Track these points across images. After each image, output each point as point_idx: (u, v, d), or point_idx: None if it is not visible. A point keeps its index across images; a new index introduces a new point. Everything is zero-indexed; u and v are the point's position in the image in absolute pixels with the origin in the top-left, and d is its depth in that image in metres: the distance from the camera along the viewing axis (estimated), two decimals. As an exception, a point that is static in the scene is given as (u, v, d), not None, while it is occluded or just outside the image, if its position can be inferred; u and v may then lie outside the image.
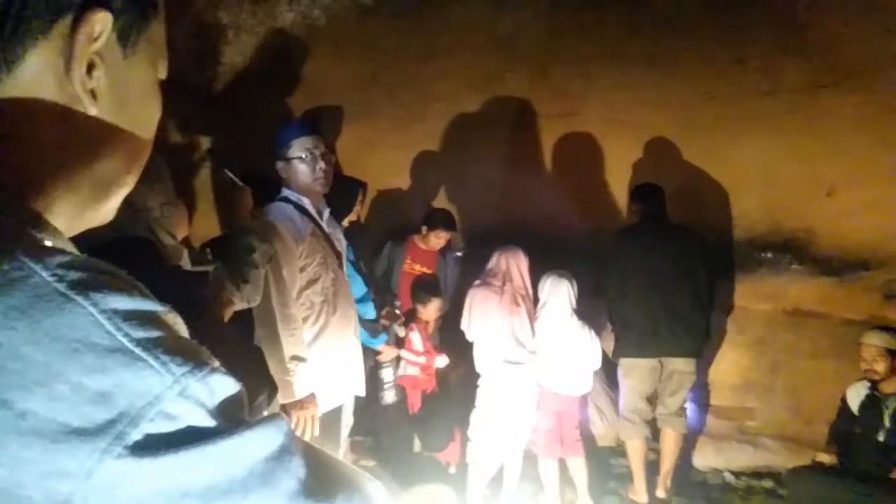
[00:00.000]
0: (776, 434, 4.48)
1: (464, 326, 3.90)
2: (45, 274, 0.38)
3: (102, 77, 0.48)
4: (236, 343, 1.57)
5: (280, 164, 2.80)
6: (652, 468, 4.19)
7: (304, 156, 2.75)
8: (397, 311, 4.11)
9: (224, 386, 0.41)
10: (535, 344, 3.84)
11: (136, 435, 0.36)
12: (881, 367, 3.81)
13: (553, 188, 4.68)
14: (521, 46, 4.32)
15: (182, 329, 0.43)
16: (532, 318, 3.88)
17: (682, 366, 4.02)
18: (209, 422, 0.38)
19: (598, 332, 4.02)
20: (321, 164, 2.77)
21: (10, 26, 0.43)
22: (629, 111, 4.33)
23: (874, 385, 3.88)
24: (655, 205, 4.16)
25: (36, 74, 0.45)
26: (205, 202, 4.31)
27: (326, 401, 2.76)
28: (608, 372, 4.34)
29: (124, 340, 0.38)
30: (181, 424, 0.37)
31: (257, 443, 0.39)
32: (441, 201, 4.82)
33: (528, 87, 4.48)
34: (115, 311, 0.39)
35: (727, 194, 4.37)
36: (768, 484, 4.38)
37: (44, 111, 0.46)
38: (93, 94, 0.47)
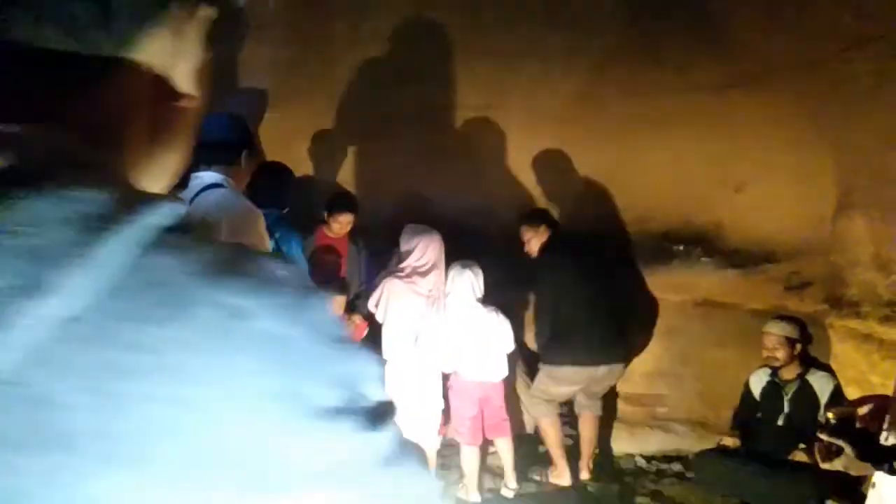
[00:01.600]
0: (685, 419, 4.67)
1: (375, 308, 3.87)
2: (290, 272, 0.43)
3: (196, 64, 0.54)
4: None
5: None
6: (570, 454, 4.30)
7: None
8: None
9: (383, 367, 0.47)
10: (439, 332, 3.87)
11: (363, 411, 0.40)
12: (781, 354, 4.00)
13: (475, 179, 4.71)
14: (445, 37, 4.32)
15: None
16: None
17: (612, 371, 4.20)
18: (386, 397, 0.43)
19: (509, 317, 4.10)
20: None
21: (134, 7, 0.47)
22: (550, 104, 4.40)
23: (775, 372, 4.08)
24: (558, 228, 4.33)
25: (151, 56, 0.49)
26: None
27: None
28: (528, 361, 4.42)
29: (342, 332, 0.43)
30: (377, 400, 0.42)
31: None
32: (362, 190, 4.77)
33: (451, 79, 4.48)
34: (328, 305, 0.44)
35: (644, 189, 4.51)
36: (678, 467, 4.56)
37: (149, 90, 0.50)
38: (192, 80, 0.53)
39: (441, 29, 4.33)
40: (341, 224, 4.20)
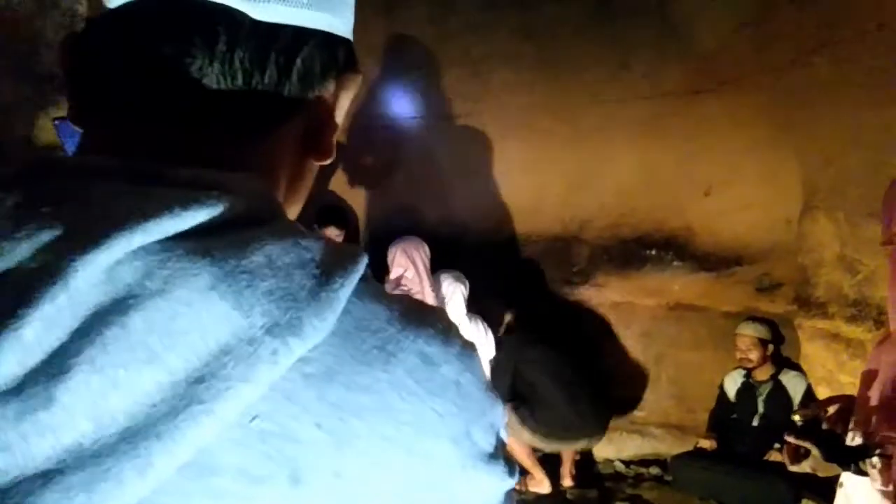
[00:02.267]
0: (662, 423, 4.69)
1: None
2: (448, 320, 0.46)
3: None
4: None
5: None
6: (548, 459, 4.31)
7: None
8: None
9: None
10: None
11: (505, 457, 0.44)
12: (754, 355, 4.06)
13: (449, 189, 4.71)
14: (415, 45, 4.33)
15: None
16: None
17: (591, 441, 4.32)
18: (495, 442, 0.45)
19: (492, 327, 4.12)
20: None
21: (309, 71, 0.49)
22: (521, 113, 4.42)
23: (748, 373, 4.13)
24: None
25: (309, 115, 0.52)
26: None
27: None
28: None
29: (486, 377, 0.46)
30: (499, 441, 0.45)
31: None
32: (334, 202, 4.75)
33: (422, 88, 4.49)
34: None
35: (616, 195, 4.54)
36: (655, 471, 4.58)
37: (298, 148, 0.53)
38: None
39: (411, 39, 4.34)
40: (327, 237, 4.16)
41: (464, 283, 4.00)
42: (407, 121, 4.65)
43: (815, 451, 1.53)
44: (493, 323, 4.21)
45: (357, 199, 4.89)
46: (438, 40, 4.32)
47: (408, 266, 3.87)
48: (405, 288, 3.82)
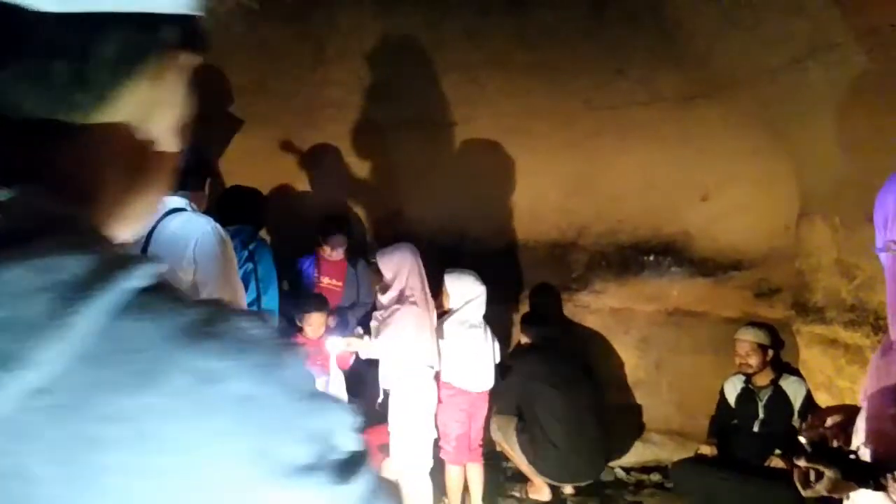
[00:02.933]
0: (662, 429, 4.67)
1: (395, 345, 3.71)
2: (266, 332, 0.43)
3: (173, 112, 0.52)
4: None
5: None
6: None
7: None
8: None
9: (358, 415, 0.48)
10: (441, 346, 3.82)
11: (336, 464, 0.42)
12: (754, 360, 4.03)
13: (446, 196, 4.71)
14: (411, 52, 4.33)
15: None
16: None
17: (591, 477, 4.25)
18: (361, 446, 0.44)
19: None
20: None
21: (113, 63, 0.46)
22: (517, 118, 4.42)
23: (748, 378, 4.10)
24: (551, 329, 4.35)
25: (129, 108, 0.48)
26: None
27: None
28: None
29: (314, 385, 0.44)
30: (352, 451, 0.43)
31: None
32: (335, 209, 4.75)
33: (418, 93, 4.49)
34: (301, 360, 0.45)
35: (612, 201, 4.53)
36: (656, 477, 4.56)
37: (125, 143, 0.49)
38: (169, 130, 0.52)
39: (407, 46, 4.34)
40: (335, 248, 4.20)
41: (483, 286, 3.97)
42: (403, 126, 4.65)
43: (829, 473, 1.46)
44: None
45: (355, 206, 4.89)
46: (434, 46, 4.32)
47: (411, 270, 3.78)
48: (409, 293, 3.77)
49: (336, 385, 3.79)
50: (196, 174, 2.69)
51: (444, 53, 4.30)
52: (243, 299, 2.64)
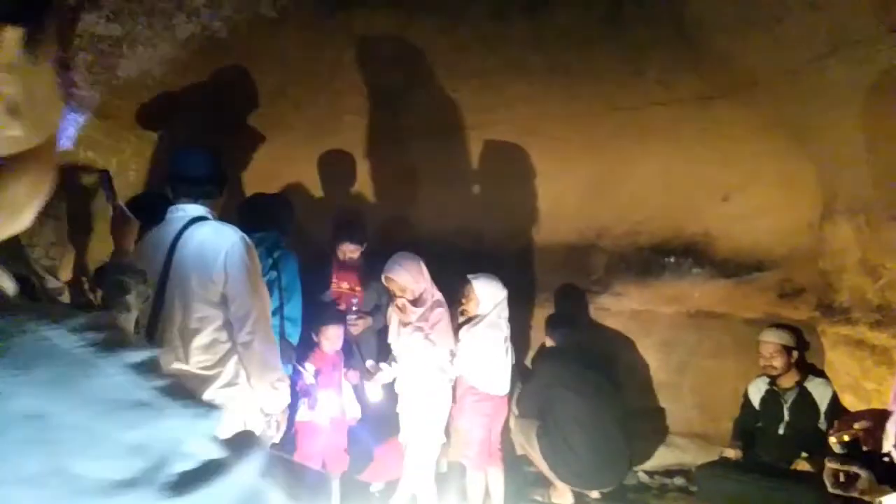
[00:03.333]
0: (685, 432, 4.62)
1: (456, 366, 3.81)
2: (69, 341, 0.41)
3: (18, 91, 0.47)
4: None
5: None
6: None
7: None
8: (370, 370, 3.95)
9: (218, 418, 0.46)
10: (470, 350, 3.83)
11: (171, 477, 0.40)
12: (778, 362, 3.98)
13: (465, 199, 4.71)
14: (428, 58, 4.34)
15: (166, 361, 0.46)
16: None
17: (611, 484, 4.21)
18: (221, 453, 0.43)
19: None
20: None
21: None
22: (535, 122, 4.41)
23: (773, 380, 4.05)
24: (571, 332, 4.32)
25: None
26: (103, 224, 4.11)
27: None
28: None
29: (146, 394, 0.42)
30: (202, 460, 0.42)
31: (253, 464, 0.45)
32: (355, 214, 4.77)
33: (436, 99, 4.50)
34: (132, 366, 0.42)
35: (632, 202, 4.50)
36: (680, 481, 4.52)
37: None
38: (12, 111, 0.46)
39: (424, 52, 4.35)
40: (347, 252, 4.11)
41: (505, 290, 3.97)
42: (420, 132, 4.66)
43: (864, 475, 1.44)
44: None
45: (374, 211, 4.90)
46: (451, 51, 4.33)
47: (426, 280, 3.80)
48: (438, 297, 3.76)
49: (349, 401, 3.80)
50: (214, 182, 2.69)
51: (460, 59, 4.31)
52: (269, 308, 2.65)
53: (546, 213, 4.74)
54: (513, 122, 4.49)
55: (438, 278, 3.89)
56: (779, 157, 3.90)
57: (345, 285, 4.18)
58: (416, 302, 3.73)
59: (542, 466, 4.19)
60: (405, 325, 3.77)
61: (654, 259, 4.49)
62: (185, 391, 0.45)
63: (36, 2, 0.49)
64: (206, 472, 0.41)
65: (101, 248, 1.92)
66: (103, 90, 3.78)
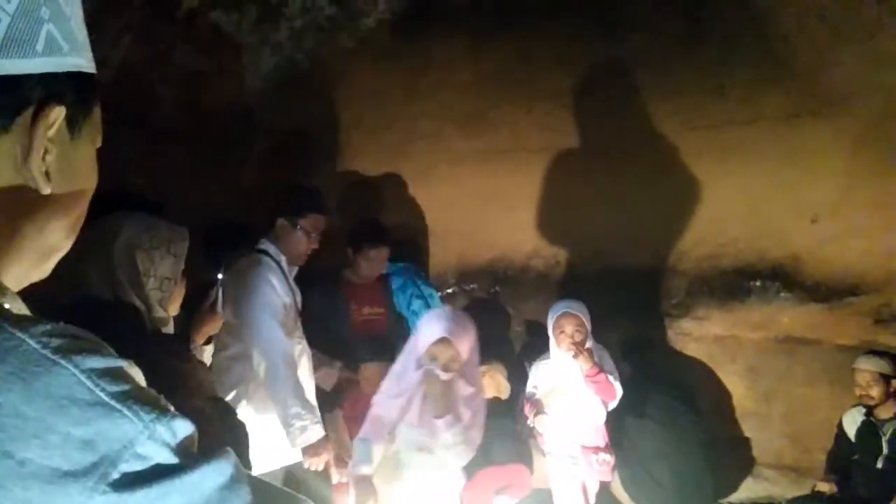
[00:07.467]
0: (774, 463, 4.43)
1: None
2: (32, 342, 0.45)
3: (54, 160, 0.53)
4: (212, 414, 1.56)
5: (283, 222, 2.89)
6: None
7: (310, 232, 2.88)
8: None
9: (183, 428, 0.48)
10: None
11: (115, 474, 0.43)
12: (876, 392, 3.79)
13: (541, 222, 4.69)
14: (503, 82, 4.36)
15: (141, 379, 0.50)
16: None
17: None
18: (173, 459, 0.45)
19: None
20: (314, 245, 2.92)
21: None
22: (611, 142, 4.37)
23: (870, 411, 3.86)
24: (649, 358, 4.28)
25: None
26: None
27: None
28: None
29: (102, 395, 0.44)
30: (151, 463, 0.44)
31: (213, 475, 0.47)
32: (431, 238, 4.81)
33: (511, 122, 4.51)
34: (93, 370, 0.45)
35: (713, 224, 4.38)
36: (770, 514, 4.33)
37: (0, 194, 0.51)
38: (47, 175, 0.53)
39: (498, 76, 4.38)
40: (371, 262, 3.42)
41: None
42: (495, 155, 4.68)
43: None
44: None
45: (449, 235, 4.92)
46: (526, 74, 4.34)
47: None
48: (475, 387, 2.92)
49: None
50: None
51: (535, 81, 4.31)
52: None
53: (622, 234, 4.65)
54: (588, 143, 4.45)
55: (513, 302, 3.89)
56: (873, 177, 3.73)
57: (367, 311, 3.53)
58: (467, 377, 2.82)
59: None
60: (440, 414, 2.66)
61: (738, 283, 4.33)
62: (151, 398, 0.48)
63: (83, 87, 0.55)
64: (154, 475, 0.44)
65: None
66: (191, 123, 3.96)
